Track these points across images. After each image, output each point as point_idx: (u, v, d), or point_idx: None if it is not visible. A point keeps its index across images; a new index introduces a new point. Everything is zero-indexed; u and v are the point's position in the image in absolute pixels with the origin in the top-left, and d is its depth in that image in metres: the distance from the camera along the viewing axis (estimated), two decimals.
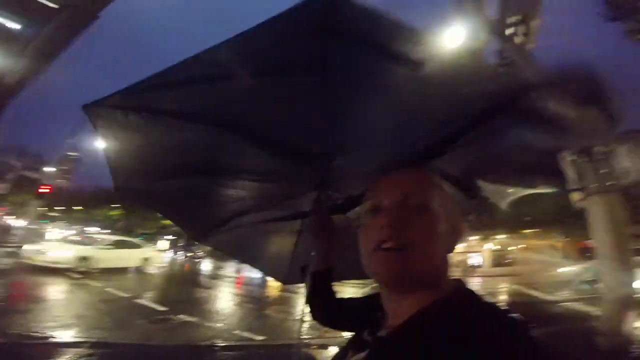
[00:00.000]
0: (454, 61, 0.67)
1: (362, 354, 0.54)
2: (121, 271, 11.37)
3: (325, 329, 6.17)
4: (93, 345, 3.90)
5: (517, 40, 4.40)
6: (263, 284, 14.07)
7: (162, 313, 6.32)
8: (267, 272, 1.65)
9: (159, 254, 16.76)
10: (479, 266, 24.45)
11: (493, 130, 0.78)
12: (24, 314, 4.96)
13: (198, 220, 1.34)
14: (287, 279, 1.39)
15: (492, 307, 0.49)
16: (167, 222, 45.90)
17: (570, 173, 3.59)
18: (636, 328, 2.99)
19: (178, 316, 6.17)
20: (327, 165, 0.95)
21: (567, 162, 3.66)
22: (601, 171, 3.29)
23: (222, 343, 4.92)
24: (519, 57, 4.15)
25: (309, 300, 0.99)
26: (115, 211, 44.37)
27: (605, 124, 3.11)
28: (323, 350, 4.69)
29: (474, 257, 24.91)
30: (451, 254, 0.54)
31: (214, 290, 10.39)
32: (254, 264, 1.65)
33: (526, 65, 3.98)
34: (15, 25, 16.62)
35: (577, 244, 19.27)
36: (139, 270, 12.41)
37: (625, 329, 2.72)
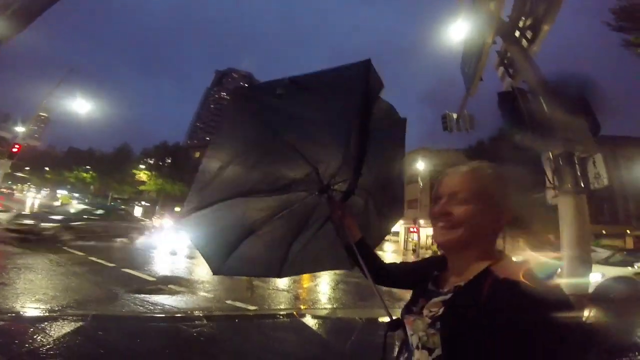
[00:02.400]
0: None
1: (439, 298, 0.76)
2: (102, 239, 11.27)
3: (310, 300, 6.49)
4: (88, 318, 3.75)
5: (524, 43, 4.46)
6: None
7: (151, 283, 6.39)
8: (261, 273, 1.76)
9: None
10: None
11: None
12: (6, 286, 4.73)
13: (219, 248, 1.41)
14: (282, 274, 1.56)
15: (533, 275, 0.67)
16: (144, 187, 44.12)
17: (548, 172, 3.88)
18: (590, 317, 3.40)
19: (168, 286, 6.25)
20: (319, 170, 1.35)
21: (547, 161, 3.95)
22: (578, 174, 3.55)
23: (218, 313, 5.03)
24: (523, 61, 4.26)
25: (365, 269, 1.19)
26: (87, 174, 42.61)
27: (589, 132, 3.39)
28: (304, 319, 4.91)
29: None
30: (495, 232, 0.76)
31: (197, 261, 10.45)
32: (257, 273, 1.75)
33: (528, 69, 4.12)
34: None
35: (539, 237, 22.23)
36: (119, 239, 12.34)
37: (582, 317, 3.07)
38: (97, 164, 43.81)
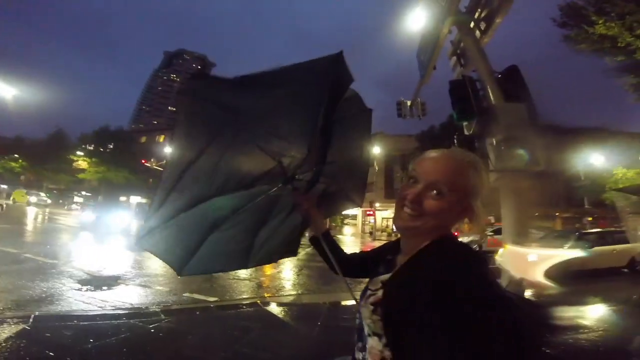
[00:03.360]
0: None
1: (380, 277, 0.80)
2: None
3: (273, 287, 6.47)
4: (30, 319, 3.45)
5: (477, 34, 4.68)
6: None
7: (98, 279, 5.93)
8: (227, 268, 1.71)
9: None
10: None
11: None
12: None
13: (181, 252, 1.34)
14: (250, 264, 1.55)
15: (459, 246, 0.72)
16: (84, 175, 40.10)
17: (491, 155, 4.19)
18: (530, 295, 3.80)
19: (117, 281, 5.87)
20: (284, 164, 1.32)
21: (490, 146, 4.25)
22: (517, 158, 3.86)
23: (176, 306, 4.80)
24: (474, 51, 4.48)
25: (328, 260, 1.24)
26: (15, 162, 37.72)
27: (529, 119, 3.71)
28: (268, 307, 4.89)
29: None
30: (457, 222, 0.77)
31: (146, 253, 9.87)
32: (223, 267, 1.66)
33: (478, 59, 4.34)
34: None
35: (482, 220, 25.06)
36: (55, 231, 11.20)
37: (522, 293, 3.40)
38: (28, 152, 38.81)
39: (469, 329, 0.54)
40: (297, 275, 8.16)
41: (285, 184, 1.38)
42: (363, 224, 35.56)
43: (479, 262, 0.67)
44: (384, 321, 0.69)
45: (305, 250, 13.85)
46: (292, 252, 1.66)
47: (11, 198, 31.37)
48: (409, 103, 8.97)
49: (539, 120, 3.85)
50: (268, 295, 5.92)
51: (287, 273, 8.34)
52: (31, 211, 23.57)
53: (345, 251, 1.27)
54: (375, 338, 0.71)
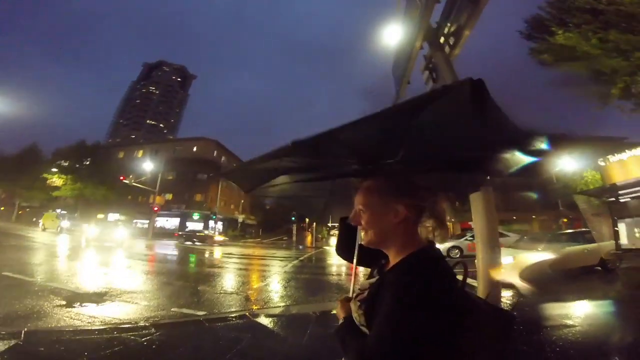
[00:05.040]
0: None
1: (369, 280, 1.03)
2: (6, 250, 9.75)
3: (262, 299, 6.52)
4: (21, 335, 3.45)
5: (447, 49, 4.92)
6: (180, 261, 13.65)
7: (83, 296, 5.85)
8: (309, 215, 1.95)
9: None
10: None
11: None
12: None
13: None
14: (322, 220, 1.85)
15: (421, 264, 0.85)
16: (59, 192, 37.84)
17: None
18: (503, 297, 3.99)
19: (105, 297, 5.82)
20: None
21: None
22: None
23: (166, 320, 4.80)
24: (444, 65, 4.72)
25: (340, 243, 1.43)
26: None
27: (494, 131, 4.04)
28: (258, 318, 4.94)
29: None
30: (400, 226, 0.93)
31: (131, 270, 9.68)
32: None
33: (447, 74, 4.61)
34: None
35: (461, 224, 26.16)
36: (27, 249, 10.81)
37: (496, 297, 3.59)
38: None
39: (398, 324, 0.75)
40: (285, 287, 8.21)
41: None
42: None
43: (434, 278, 0.81)
44: (365, 315, 0.89)
45: (292, 262, 13.94)
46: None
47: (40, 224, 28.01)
48: None
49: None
50: (256, 307, 5.97)
51: (274, 286, 8.38)
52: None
53: None
54: (364, 329, 0.90)
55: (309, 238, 33.75)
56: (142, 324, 4.42)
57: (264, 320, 4.86)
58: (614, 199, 9.89)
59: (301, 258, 16.60)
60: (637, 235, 10.27)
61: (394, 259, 0.94)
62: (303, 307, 6.12)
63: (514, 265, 8.80)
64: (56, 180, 36.08)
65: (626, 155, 12.54)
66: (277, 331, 4.41)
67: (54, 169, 36.19)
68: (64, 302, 5.33)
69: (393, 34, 6.66)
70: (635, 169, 12.21)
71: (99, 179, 35.30)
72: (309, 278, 9.74)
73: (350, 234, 1.33)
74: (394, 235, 0.94)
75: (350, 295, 1.11)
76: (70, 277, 7.71)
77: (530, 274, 8.71)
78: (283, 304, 6.43)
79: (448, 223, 1.02)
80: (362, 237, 1.00)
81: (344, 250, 1.40)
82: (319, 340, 4.02)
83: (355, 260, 1.28)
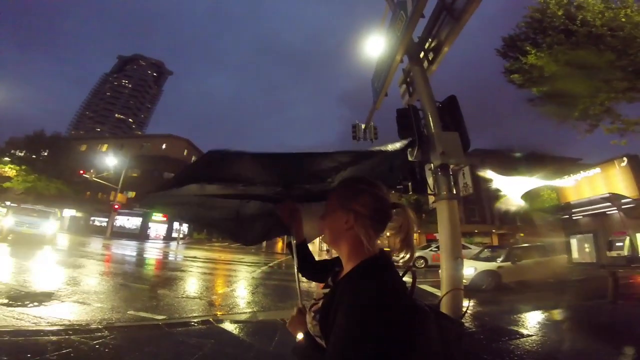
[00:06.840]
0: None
1: (323, 290, 1.04)
2: None
3: (227, 305, 6.31)
4: None
5: (425, 64, 5.10)
6: (139, 263, 12.97)
7: (27, 295, 5.37)
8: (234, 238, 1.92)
9: None
10: None
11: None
12: None
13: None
14: (248, 242, 1.87)
15: (373, 271, 0.86)
16: (10, 184, 34.71)
17: (430, 181, 4.60)
18: (464, 306, 4.17)
19: (52, 297, 5.40)
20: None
21: (429, 173, 4.69)
22: (451, 183, 4.27)
23: (120, 323, 4.48)
24: (420, 80, 4.90)
25: (300, 265, 1.44)
26: None
27: (461, 147, 4.25)
28: (222, 324, 4.78)
29: None
30: (349, 231, 0.95)
31: (83, 270, 9.01)
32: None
33: (423, 88, 4.78)
34: None
35: (427, 235, 28.09)
36: None
37: (457, 307, 3.70)
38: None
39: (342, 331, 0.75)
40: (252, 293, 7.99)
41: (283, 187, 1.42)
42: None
43: (381, 286, 0.80)
44: (320, 325, 0.89)
45: (260, 268, 13.65)
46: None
47: None
48: (363, 126, 9.56)
49: (469, 147, 4.34)
50: (221, 313, 5.76)
51: (241, 291, 8.14)
52: None
53: (315, 261, 1.47)
54: (318, 339, 0.90)
55: (279, 244, 33.33)
56: (94, 326, 4.13)
57: (229, 327, 4.68)
58: (567, 216, 10.64)
59: (270, 264, 16.23)
60: (586, 250, 11.20)
61: (345, 265, 0.98)
62: (271, 314, 5.96)
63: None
64: (8, 170, 33.08)
65: (580, 175, 13.63)
66: (243, 338, 4.24)
67: (7, 159, 33.20)
68: (4, 301, 4.87)
69: (376, 45, 6.86)
70: (586, 189, 13.32)
71: (56, 172, 32.83)
72: (277, 284, 9.54)
73: (305, 254, 1.45)
74: (344, 240, 0.97)
75: (299, 304, 1.19)
76: (15, 274, 7.06)
77: (484, 282, 9.33)
78: (250, 310, 6.23)
79: (415, 234, 1.04)
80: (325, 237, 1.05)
81: (307, 270, 1.46)
82: (287, 347, 3.91)
83: (296, 266, 1.41)
